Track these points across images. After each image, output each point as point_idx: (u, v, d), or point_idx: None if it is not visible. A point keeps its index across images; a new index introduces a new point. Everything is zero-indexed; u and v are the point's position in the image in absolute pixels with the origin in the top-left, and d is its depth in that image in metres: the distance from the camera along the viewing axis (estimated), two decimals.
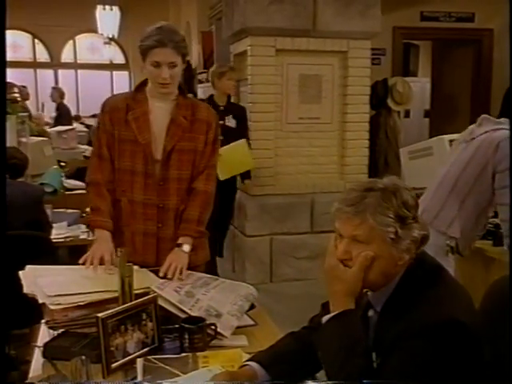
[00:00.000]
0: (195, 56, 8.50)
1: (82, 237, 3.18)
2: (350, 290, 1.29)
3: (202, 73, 6.12)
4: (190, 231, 2.18)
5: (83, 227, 3.30)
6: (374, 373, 1.24)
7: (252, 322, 1.89)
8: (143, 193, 2.18)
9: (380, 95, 4.94)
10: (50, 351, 1.65)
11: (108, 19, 7.74)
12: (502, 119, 2.51)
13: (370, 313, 1.35)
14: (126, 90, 11.13)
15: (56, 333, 1.75)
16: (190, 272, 2.05)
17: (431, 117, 6.82)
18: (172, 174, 2.18)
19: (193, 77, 8.77)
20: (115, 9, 7.64)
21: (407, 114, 6.85)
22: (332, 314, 1.29)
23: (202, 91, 5.99)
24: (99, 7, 7.59)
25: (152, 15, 9.87)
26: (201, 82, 6.25)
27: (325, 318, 1.31)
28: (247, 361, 1.48)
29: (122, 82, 11.88)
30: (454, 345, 1.18)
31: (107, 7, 7.49)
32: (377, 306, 1.33)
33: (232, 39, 4.90)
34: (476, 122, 2.56)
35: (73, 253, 3.15)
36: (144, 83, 2.23)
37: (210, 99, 4.28)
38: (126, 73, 12.14)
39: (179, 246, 2.14)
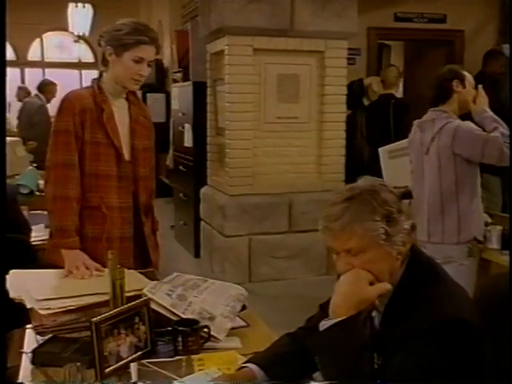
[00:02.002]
0: (167, 55, 8.43)
1: None
2: (359, 305, 1.27)
3: (177, 72, 6.06)
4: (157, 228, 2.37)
5: None
6: (376, 374, 1.24)
7: (244, 324, 1.88)
8: (118, 196, 2.14)
9: (356, 95, 4.98)
10: (39, 357, 1.60)
11: (80, 17, 7.60)
12: (435, 115, 2.78)
13: (374, 313, 1.35)
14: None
15: (41, 339, 1.70)
16: (178, 274, 2.03)
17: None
18: (141, 173, 2.21)
19: (165, 76, 8.70)
20: (88, 6, 7.51)
21: None
22: (333, 322, 1.26)
23: (178, 91, 5.93)
24: (71, 5, 7.45)
25: (122, 13, 9.75)
26: (175, 81, 6.18)
27: (324, 325, 1.29)
28: (245, 362, 1.47)
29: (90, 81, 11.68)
30: (458, 343, 1.19)
31: (79, 4, 7.36)
32: (380, 306, 1.33)
33: (209, 38, 4.87)
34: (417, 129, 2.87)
35: None
36: (98, 79, 2.18)
37: None
38: (95, 72, 11.95)
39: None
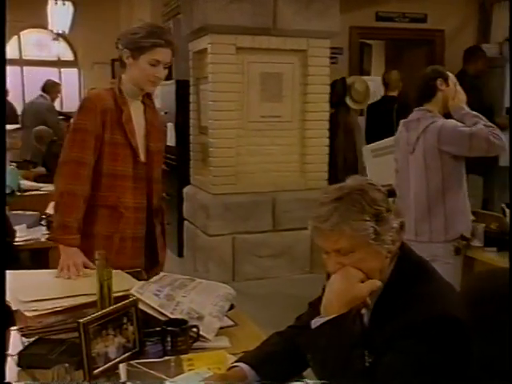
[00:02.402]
0: None
1: (43, 239, 3.07)
2: (351, 302, 1.28)
3: None
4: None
5: (44, 229, 3.19)
6: (367, 372, 1.25)
7: (232, 323, 1.87)
8: (133, 197, 2.17)
9: (339, 94, 5.00)
10: (25, 360, 1.58)
11: (60, 14, 7.49)
12: (419, 114, 2.82)
13: (363, 310, 1.36)
14: (75, 87, 10.86)
15: (27, 340, 1.68)
16: (164, 274, 2.02)
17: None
18: (154, 175, 2.23)
19: None
20: (68, 3, 7.41)
21: (361, 112, 6.95)
22: (325, 319, 1.27)
23: (160, 89, 5.88)
24: (51, 2, 7.33)
25: (103, 11, 9.69)
26: None
27: (316, 322, 1.29)
28: (235, 362, 1.47)
29: (70, 80, 11.55)
30: (449, 340, 1.20)
31: (59, 2, 7.26)
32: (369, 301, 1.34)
33: (191, 37, 4.85)
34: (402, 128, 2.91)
35: (35, 256, 3.05)
36: (118, 81, 2.20)
37: None
38: (74, 70, 11.82)
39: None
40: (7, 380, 1.53)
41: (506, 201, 3.93)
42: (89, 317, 1.50)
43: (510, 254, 2.06)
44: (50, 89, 6.87)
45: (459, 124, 2.69)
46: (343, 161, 5.12)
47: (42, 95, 6.83)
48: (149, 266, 2.26)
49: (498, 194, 4.77)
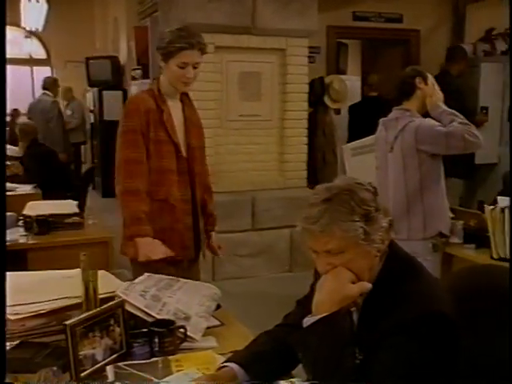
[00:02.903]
0: (124, 52, 8.30)
1: (21, 241, 3.02)
2: (342, 302, 1.28)
3: (137, 69, 5.97)
4: (214, 225, 2.53)
5: (21, 230, 3.14)
6: (358, 369, 1.25)
7: (218, 323, 1.87)
8: (178, 190, 2.30)
9: (317, 93, 5.03)
10: (9, 364, 1.55)
11: (33, 12, 7.37)
12: (398, 114, 2.86)
13: (352, 308, 1.37)
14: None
15: (9, 344, 1.64)
16: (149, 274, 2.00)
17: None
18: (197, 169, 2.36)
19: (122, 73, 8.57)
20: (42, 1, 7.30)
21: (338, 111, 7.00)
22: (317, 318, 1.27)
23: (136, 88, 5.85)
24: None
25: (77, 9, 9.57)
26: (134, 78, 6.09)
27: (307, 321, 1.29)
28: (225, 362, 1.46)
29: (42, 78, 11.39)
30: (439, 337, 1.21)
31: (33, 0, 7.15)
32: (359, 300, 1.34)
33: None
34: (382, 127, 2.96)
35: (12, 258, 2.98)
36: (157, 82, 2.31)
37: None
38: (47, 68, 11.65)
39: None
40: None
41: (486, 198, 4.01)
42: (75, 319, 1.47)
43: (511, 254, 2.09)
44: (51, 85, 6.92)
45: (436, 123, 2.73)
46: (322, 160, 5.15)
47: (45, 93, 6.85)
48: (194, 258, 2.45)
49: (479, 192, 4.85)
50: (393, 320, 1.24)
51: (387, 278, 1.32)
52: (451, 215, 2.97)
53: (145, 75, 5.64)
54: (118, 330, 1.59)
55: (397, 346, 1.21)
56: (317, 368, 1.26)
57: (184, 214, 2.32)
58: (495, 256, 2.60)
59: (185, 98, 2.40)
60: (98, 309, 1.55)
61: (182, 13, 4.40)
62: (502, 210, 2.55)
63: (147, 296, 1.75)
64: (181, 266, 2.35)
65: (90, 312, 1.53)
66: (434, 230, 2.75)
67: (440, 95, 2.83)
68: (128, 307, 1.67)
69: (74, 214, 3.26)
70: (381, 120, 3.00)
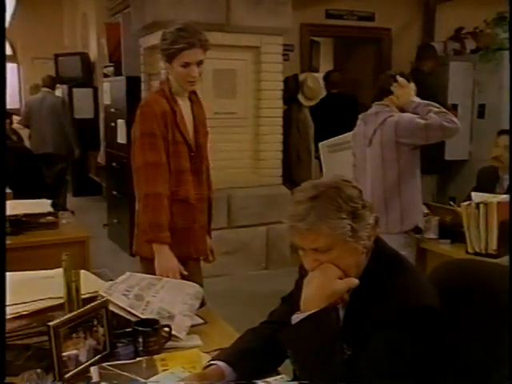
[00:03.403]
0: (94, 48, 8.19)
1: None
2: (330, 298, 1.29)
3: (108, 66, 5.89)
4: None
5: None
6: (346, 364, 1.26)
7: (202, 321, 1.86)
8: (194, 189, 2.30)
9: (291, 90, 5.04)
10: None
11: None
12: (378, 108, 2.92)
13: (339, 304, 1.37)
14: (14, 82, 10.45)
15: None
16: (130, 273, 1.98)
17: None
18: (203, 167, 2.37)
19: (92, 70, 8.45)
20: None
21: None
22: (306, 314, 1.28)
23: (109, 85, 5.77)
24: None
25: (45, 5, 9.38)
26: (106, 75, 6.01)
27: (296, 318, 1.30)
28: (212, 360, 1.46)
29: (8, 75, 11.13)
30: (427, 329, 1.23)
31: None
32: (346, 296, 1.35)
33: (142, 32, 4.76)
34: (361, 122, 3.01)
35: None
36: (166, 83, 2.28)
37: None
38: (13, 65, 11.40)
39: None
40: None
41: (457, 194, 4.09)
42: (59, 320, 1.45)
43: (511, 254, 2.12)
44: (50, 83, 6.78)
45: (414, 116, 2.79)
46: (296, 157, 5.17)
47: (48, 91, 6.70)
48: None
49: (450, 189, 4.94)
50: (380, 315, 1.26)
51: (374, 274, 1.34)
52: (427, 211, 3.03)
53: (117, 72, 5.56)
54: (101, 330, 1.57)
55: (385, 341, 1.23)
56: (306, 364, 1.27)
57: (200, 213, 2.35)
58: (470, 251, 2.65)
59: (193, 96, 2.39)
60: (82, 309, 1.53)
61: (155, 9, 4.36)
62: (477, 205, 2.60)
63: (130, 295, 1.73)
64: (193, 264, 2.38)
65: (74, 313, 1.51)
66: (411, 223, 2.79)
67: (412, 90, 2.89)
68: (111, 307, 1.65)
69: (49, 214, 3.20)
70: (360, 115, 3.04)
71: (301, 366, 1.28)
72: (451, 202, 3.12)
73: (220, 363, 1.42)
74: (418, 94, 2.92)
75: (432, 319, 1.24)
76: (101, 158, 6.46)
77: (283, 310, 1.56)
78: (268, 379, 1.43)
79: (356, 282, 1.31)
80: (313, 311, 1.27)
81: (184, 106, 2.31)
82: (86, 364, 1.51)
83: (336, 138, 3.72)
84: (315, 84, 5.17)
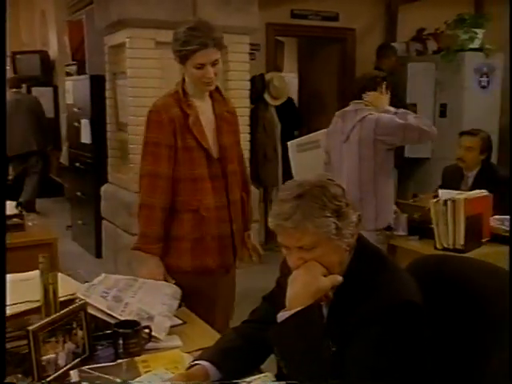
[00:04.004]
0: (54, 46, 8.02)
1: None
2: (315, 295, 1.30)
3: (71, 65, 5.77)
4: (247, 224, 2.35)
5: None
6: (331, 361, 1.28)
7: (180, 321, 1.85)
8: (213, 197, 2.15)
9: (258, 90, 5.05)
10: None
11: None
12: (357, 106, 2.98)
13: (323, 301, 1.39)
14: None
15: None
16: (106, 274, 1.95)
17: (299, 111, 7.10)
18: (230, 169, 2.20)
19: (52, 69, 8.26)
20: None
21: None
22: (292, 312, 1.28)
23: (72, 84, 5.66)
24: None
25: None
26: (69, 74, 5.89)
27: (282, 316, 1.30)
28: (195, 360, 1.45)
29: None
30: (411, 325, 1.25)
31: None
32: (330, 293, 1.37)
33: (107, 30, 4.68)
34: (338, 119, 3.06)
35: None
36: (182, 84, 2.16)
37: None
38: None
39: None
40: None
41: (419, 191, 4.18)
42: (38, 323, 1.42)
43: (511, 252, 2.17)
44: (17, 83, 6.73)
45: (394, 116, 2.85)
46: (263, 156, 5.19)
47: (19, 91, 6.67)
48: (233, 263, 2.31)
49: (411, 186, 5.03)
50: (365, 311, 1.27)
51: (357, 271, 1.35)
52: (396, 208, 3.08)
53: (80, 71, 5.45)
54: (80, 333, 1.55)
55: (371, 337, 1.24)
56: (294, 361, 1.27)
57: (220, 222, 2.18)
58: (439, 246, 2.72)
59: (215, 94, 2.23)
60: (61, 312, 1.50)
61: (120, 7, 4.29)
62: (445, 202, 2.67)
63: (109, 297, 1.71)
64: (218, 275, 2.23)
65: (53, 316, 1.48)
66: (384, 221, 2.84)
67: (387, 99, 2.97)
68: (90, 309, 1.62)
69: (14, 216, 3.12)
70: (337, 112, 3.09)
71: (288, 364, 1.29)
72: (420, 195, 3.20)
73: (204, 363, 1.42)
74: None
75: (415, 314, 1.26)
76: (63, 159, 6.33)
77: (265, 308, 1.57)
78: (253, 377, 1.43)
79: (340, 279, 1.33)
80: (299, 308, 1.28)
81: (203, 106, 2.16)
82: (66, 368, 1.48)
83: (304, 137, 3.74)
84: (281, 83, 5.20)
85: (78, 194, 5.59)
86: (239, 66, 4.63)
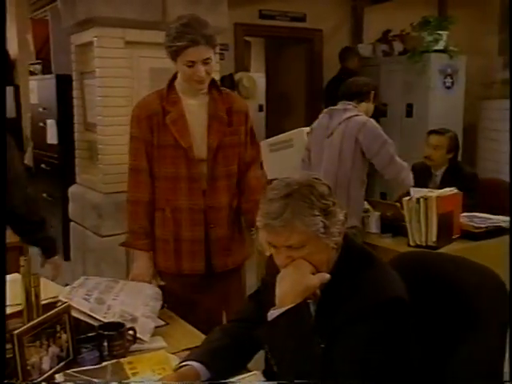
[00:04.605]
0: (15, 45, 7.83)
1: None
2: (304, 293, 1.32)
3: (35, 64, 5.65)
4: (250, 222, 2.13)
5: None
6: (321, 356, 1.29)
7: (163, 322, 1.84)
8: (188, 198, 2.06)
9: None
10: None
11: None
12: (347, 106, 3.00)
13: (310, 299, 1.40)
14: None
15: None
16: (85, 277, 1.92)
17: (267, 112, 7.13)
18: (220, 172, 2.08)
19: (13, 67, 8.06)
20: None
21: (261, 107, 7.05)
22: (283, 310, 1.29)
23: (36, 84, 5.54)
24: None
25: None
26: (33, 73, 5.76)
27: (272, 314, 1.31)
28: (184, 361, 1.45)
29: None
30: (398, 320, 1.28)
31: None
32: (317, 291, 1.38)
33: (74, 29, 4.58)
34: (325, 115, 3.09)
35: None
36: (172, 79, 2.08)
37: None
38: None
39: None
40: None
41: (387, 189, 4.25)
42: (23, 327, 1.39)
43: (511, 251, 2.22)
44: None
45: (380, 128, 2.95)
46: None
47: None
48: (207, 273, 2.14)
49: (378, 185, 5.11)
50: (353, 308, 1.29)
51: (344, 269, 1.37)
52: (367, 206, 3.13)
53: (46, 70, 5.34)
54: (64, 336, 1.53)
55: (359, 333, 1.26)
56: (285, 359, 1.28)
57: (193, 225, 2.07)
58: (412, 243, 2.77)
59: (214, 92, 2.10)
60: (45, 315, 1.48)
61: (87, 6, 4.20)
62: (418, 200, 2.72)
63: (91, 299, 1.69)
64: (197, 278, 2.14)
65: (38, 319, 1.45)
66: (354, 220, 2.87)
67: (372, 109, 3.09)
68: (72, 312, 1.60)
69: None
70: (325, 109, 3.13)
71: (279, 361, 1.30)
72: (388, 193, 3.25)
73: (194, 363, 1.42)
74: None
75: (402, 310, 1.29)
76: (28, 160, 6.19)
77: (251, 307, 1.58)
78: (242, 376, 1.44)
79: (328, 276, 1.34)
80: (289, 306, 1.29)
81: (196, 104, 2.07)
82: (51, 372, 1.46)
83: (278, 136, 3.76)
84: (250, 83, 5.21)
85: (44, 195, 5.48)
86: None
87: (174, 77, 2.09)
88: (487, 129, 5.72)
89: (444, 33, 5.12)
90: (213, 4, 4.55)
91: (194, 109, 2.06)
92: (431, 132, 3.57)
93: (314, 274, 1.34)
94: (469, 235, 2.90)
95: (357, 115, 2.95)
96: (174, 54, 1.99)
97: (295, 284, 1.31)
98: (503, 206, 3.39)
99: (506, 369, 1.43)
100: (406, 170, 2.95)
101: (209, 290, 2.17)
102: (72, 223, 4.92)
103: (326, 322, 1.33)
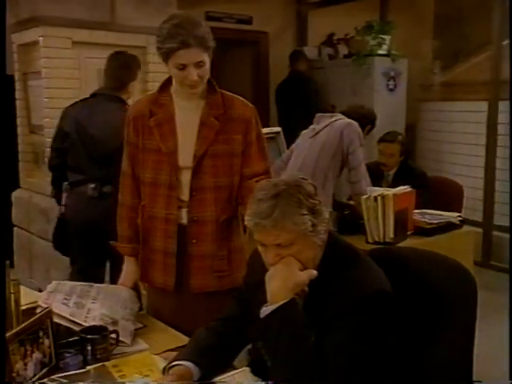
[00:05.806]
0: None
1: None
2: (294, 289, 1.35)
3: None
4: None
5: None
6: (312, 350, 1.33)
7: (141, 325, 1.83)
8: (165, 206, 1.90)
9: None
10: None
11: None
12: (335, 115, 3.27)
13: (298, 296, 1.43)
14: None
15: None
16: (58, 282, 1.87)
17: None
18: (207, 183, 1.89)
19: None
20: None
21: None
22: (276, 306, 1.32)
23: None
24: None
25: None
26: None
27: (265, 311, 1.34)
28: (176, 361, 1.45)
29: None
30: (384, 312, 1.33)
31: None
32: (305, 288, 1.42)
33: (16, 28, 4.44)
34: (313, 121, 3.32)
35: None
36: (167, 81, 1.95)
37: None
38: None
39: None
40: None
41: (336, 190, 4.36)
42: (9, 333, 1.35)
43: (511, 250, 2.29)
44: None
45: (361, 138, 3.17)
46: None
47: None
48: (178, 288, 1.94)
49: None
50: (340, 302, 1.34)
51: (330, 265, 1.41)
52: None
53: None
54: (47, 342, 1.49)
55: (348, 326, 1.31)
56: (280, 353, 1.31)
57: (166, 237, 1.91)
58: (370, 240, 2.86)
59: (213, 97, 1.94)
60: (30, 320, 1.44)
61: (32, 4, 4.11)
62: (375, 198, 2.82)
63: (70, 304, 1.67)
64: (169, 292, 1.96)
65: (23, 324, 1.41)
66: None
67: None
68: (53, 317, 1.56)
69: None
70: (317, 115, 3.33)
71: (274, 356, 1.33)
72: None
73: (186, 363, 1.43)
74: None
75: (387, 302, 1.35)
76: None
77: (234, 306, 1.61)
78: (231, 373, 1.47)
79: (315, 273, 1.38)
80: (282, 302, 1.32)
81: (188, 108, 1.91)
82: (35, 378, 1.43)
83: None
84: None
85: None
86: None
87: (170, 78, 1.98)
88: (426, 129, 5.98)
89: (387, 37, 5.31)
90: (163, 5, 4.53)
91: (187, 112, 1.92)
92: (382, 140, 3.67)
93: (301, 270, 1.37)
94: (422, 231, 3.03)
95: (343, 119, 3.17)
96: (165, 56, 1.84)
97: (286, 281, 1.34)
98: (450, 202, 3.58)
99: (506, 368, 1.48)
100: (366, 180, 3.12)
101: (182, 310, 1.95)
102: (16, 228, 4.75)
103: (314, 316, 1.37)
